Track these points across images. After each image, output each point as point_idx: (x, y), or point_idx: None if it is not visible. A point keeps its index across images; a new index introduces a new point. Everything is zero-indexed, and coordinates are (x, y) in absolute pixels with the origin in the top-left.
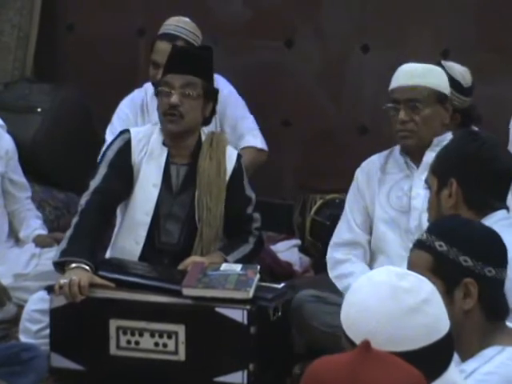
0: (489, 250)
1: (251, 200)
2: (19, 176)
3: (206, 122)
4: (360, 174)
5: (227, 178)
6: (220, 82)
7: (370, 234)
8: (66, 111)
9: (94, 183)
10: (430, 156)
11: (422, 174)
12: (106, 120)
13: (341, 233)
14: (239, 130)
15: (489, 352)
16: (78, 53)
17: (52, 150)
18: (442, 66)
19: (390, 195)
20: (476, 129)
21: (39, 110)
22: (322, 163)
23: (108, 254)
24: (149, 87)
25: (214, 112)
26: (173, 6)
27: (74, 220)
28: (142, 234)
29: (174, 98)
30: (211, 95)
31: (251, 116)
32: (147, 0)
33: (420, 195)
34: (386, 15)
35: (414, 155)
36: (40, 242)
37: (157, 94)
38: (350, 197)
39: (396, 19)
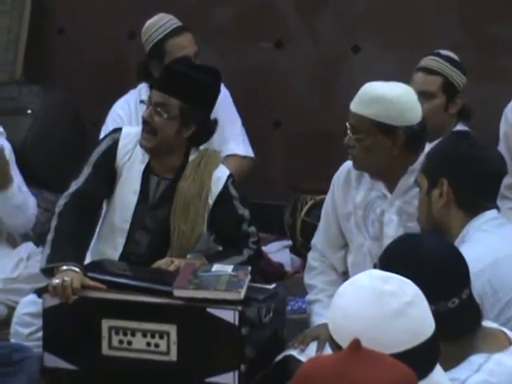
0: (426, 288)
1: (244, 217)
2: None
3: (193, 143)
4: (336, 183)
5: (211, 201)
6: None
7: (344, 245)
8: (55, 113)
9: (76, 184)
10: (403, 183)
11: (395, 199)
12: (96, 122)
13: (317, 237)
14: (225, 133)
15: (476, 359)
16: (68, 55)
17: (42, 152)
18: (440, 54)
19: (368, 219)
20: (466, 129)
21: (29, 111)
22: (312, 164)
23: (88, 258)
24: (143, 88)
25: (203, 135)
26: (162, 8)
27: (53, 223)
28: (121, 241)
29: (146, 113)
30: (194, 121)
31: (239, 121)
32: (137, 2)
33: (393, 221)
34: (376, 16)
35: (385, 181)
36: None
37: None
38: (325, 206)
39: (386, 20)
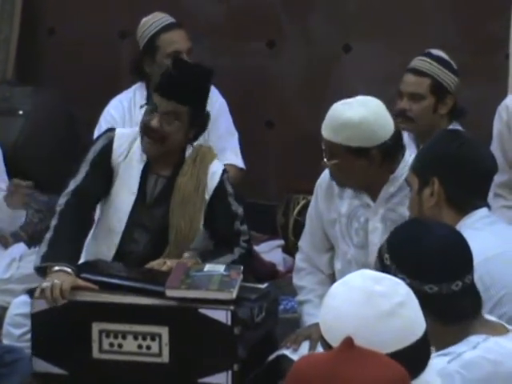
0: (431, 269)
1: (238, 215)
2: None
3: (191, 141)
4: (319, 190)
5: (207, 196)
6: (213, 93)
7: (330, 248)
8: (47, 114)
9: (75, 182)
10: (386, 192)
11: (378, 207)
12: (88, 122)
13: (303, 239)
14: (223, 143)
15: (474, 339)
16: (60, 55)
17: (34, 153)
18: (430, 54)
19: (351, 227)
20: (459, 128)
21: (21, 112)
22: (305, 164)
23: (82, 256)
24: (138, 88)
25: (200, 132)
26: (154, 7)
27: (53, 222)
28: (115, 241)
29: (155, 122)
30: (198, 121)
31: (237, 133)
32: (129, 1)
33: (378, 229)
34: (368, 15)
35: (368, 192)
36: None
37: (141, 106)
38: (310, 210)
39: (378, 19)
